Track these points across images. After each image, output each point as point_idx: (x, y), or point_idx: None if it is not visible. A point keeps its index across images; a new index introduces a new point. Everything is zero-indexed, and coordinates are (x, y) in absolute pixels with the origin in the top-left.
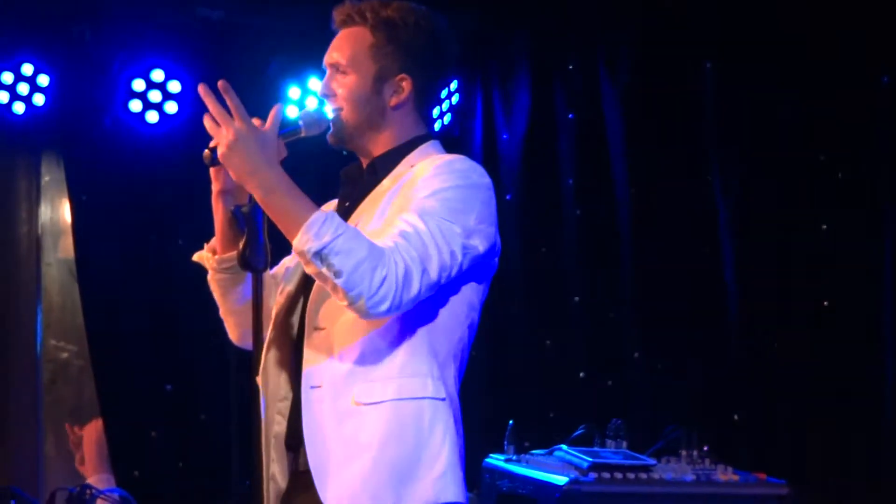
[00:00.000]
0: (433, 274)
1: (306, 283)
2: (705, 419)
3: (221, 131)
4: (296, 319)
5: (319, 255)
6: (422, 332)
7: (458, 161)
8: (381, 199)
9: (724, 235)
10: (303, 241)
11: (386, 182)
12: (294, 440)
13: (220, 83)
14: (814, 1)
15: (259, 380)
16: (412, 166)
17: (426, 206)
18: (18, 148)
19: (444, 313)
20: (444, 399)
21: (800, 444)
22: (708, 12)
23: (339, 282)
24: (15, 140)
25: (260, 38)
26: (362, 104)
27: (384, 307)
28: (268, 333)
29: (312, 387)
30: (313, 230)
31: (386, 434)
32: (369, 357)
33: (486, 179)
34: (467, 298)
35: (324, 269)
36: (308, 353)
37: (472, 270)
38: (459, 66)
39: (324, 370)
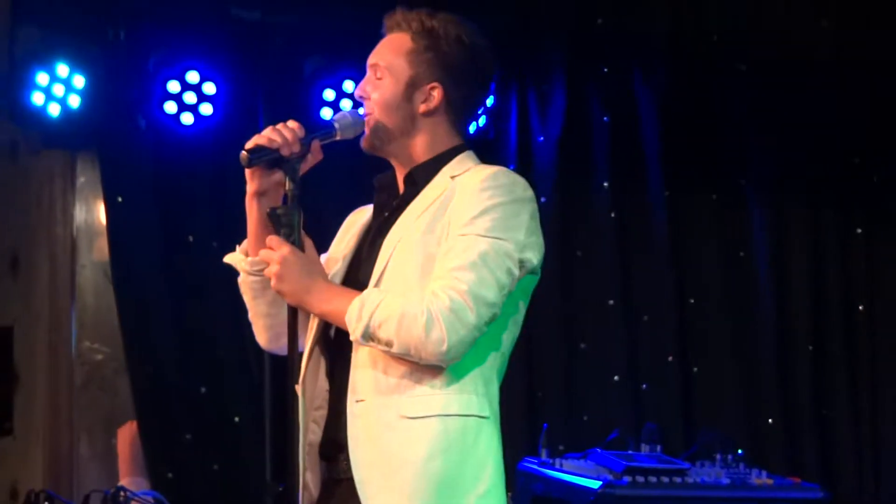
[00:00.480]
0: (491, 296)
1: None
2: (740, 423)
3: (273, 255)
4: (336, 330)
5: (366, 336)
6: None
7: (502, 174)
8: (424, 213)
9: (758, 239)
10: (351, 332)
11: (427, 193)
12: (329, 450)
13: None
14: (846, 4)
15: (298, 388)
16: (452, 178)
17: (477, 225)
18: (54, 149)
19: (492, 328)
20: (487, 417)
21: (834, 449)
22: (741, 15)
23: (394, 350)
24: (50, 141)
25: (295, 39)
26: (393, 109)
27: (445, 347)
28: (308, 341)
29: (357, 401)
30: (353, 319)
31: (431, 449)
32: (415, 371)
33: (530, 192)
34: (513, 313)
35: (379, 346)
36: (353, 367)
37: (521, 284)
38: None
39: (369, 383)
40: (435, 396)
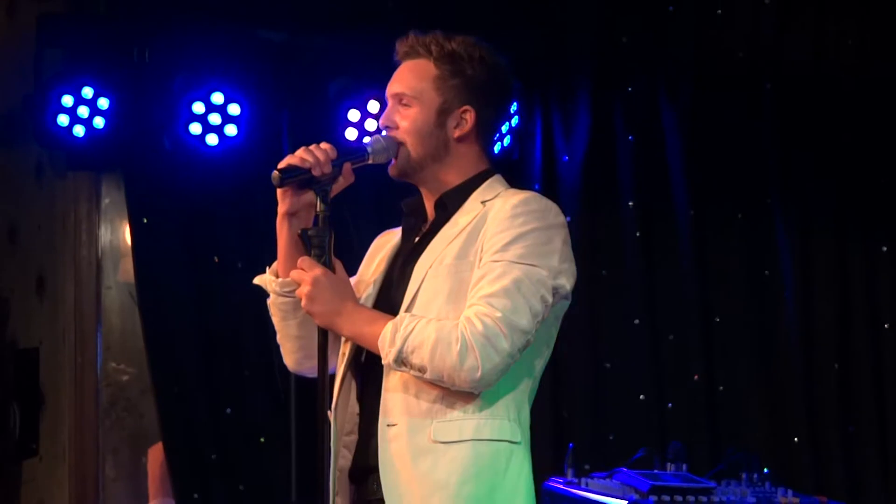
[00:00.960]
0: (524, 324)
1: None
2: (766, 441)
3: (305, 276)
4: (367, 354)
5: (399, 361)
6: None
7: (534, 200)
8: (456, 239)
9: (784, 257)
10: (384, 356)
11: (458, 218)
12: (359, 473)
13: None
14: (872, 22)
15: (331, 414)
16: (483, 203)
17: (510, 251)
18: (79, 171)
19: (525, 354)
20: (519, 443)
21: (860, 468)
22: (767, 33)
23: (427, 376)
24: (75, 163)
25: (320, 60)
26: (425, 136)
27: (479, 374)
28: (339, 366)
29: (389, 425)
30: (386, 344)
31: (463, 473)
32: (448, 396)
33: (562, 217)
34: (545, 338)
35: (412, 372)
36: (384, 391)
37: (553, 310)
38: (519, 105)
39: (400, 409)
40: (467, 421)
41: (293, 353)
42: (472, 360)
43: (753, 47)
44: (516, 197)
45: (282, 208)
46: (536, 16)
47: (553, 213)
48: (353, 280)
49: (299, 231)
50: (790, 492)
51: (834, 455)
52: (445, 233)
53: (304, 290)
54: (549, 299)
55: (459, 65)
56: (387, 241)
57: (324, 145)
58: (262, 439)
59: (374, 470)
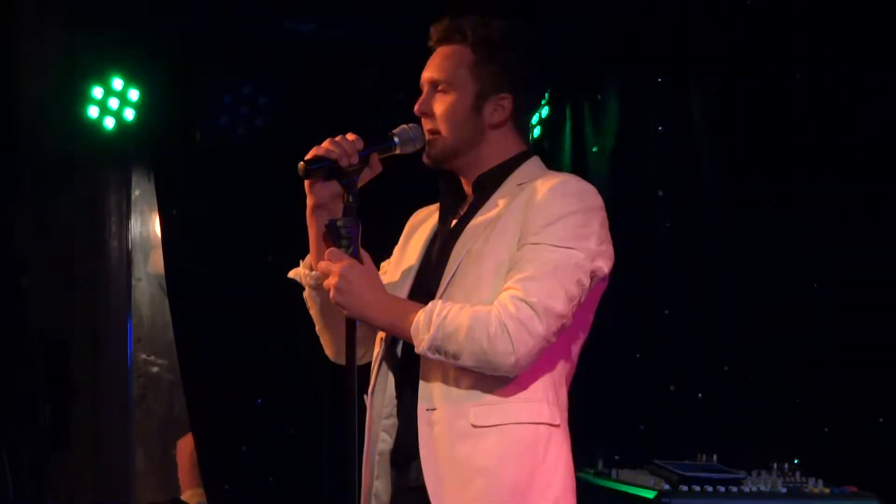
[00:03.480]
0: (560, 308)
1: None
2: (796, 431)
3: (333, 268)
4: (403, 341)
5: (434, 348)
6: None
7: (573, 182)
8: (496, 221)
9: (814, 247)
10: (417, 344)
11: (497, 202)
12: (401, 458)
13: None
14: None
15: (367, 398)
16: (520, 185)
17: (548, 234)
18: (108, 162)
19: (561, 337)
20: (558, 425)
21: (892, 458)
22: (796, 22)
23: (462, 363)
24: (105, 154)
25: (349, 51)
26: (462, 123)
27: (514, 359)
28: (377, 352)
29: (428, 409)
30: (420, 332)
31: (503, 457)
32: (485, 380)
33: (600, 199)
34: (582, 321)
35: (447, 359)
36: (423, 376)
37: (592, 292)
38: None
39: (439, 393)
40: (506, 404)
41: (333, 344)
42: (507, 345)
43: (783, 37)
44: (554, 179)
45: (310, 201)
46: (566, 7)
47: (591, 195)
48: (389, 262)
49: (326, 222)
50: (820, 482)
51: (865, 445)
52: (483, 216)
53: (331, 281)
54: (586, 283)
55: (497, 51)
56: (422, 221)
57: (350, 136)
58: (291, 430)
59: (415, 457)
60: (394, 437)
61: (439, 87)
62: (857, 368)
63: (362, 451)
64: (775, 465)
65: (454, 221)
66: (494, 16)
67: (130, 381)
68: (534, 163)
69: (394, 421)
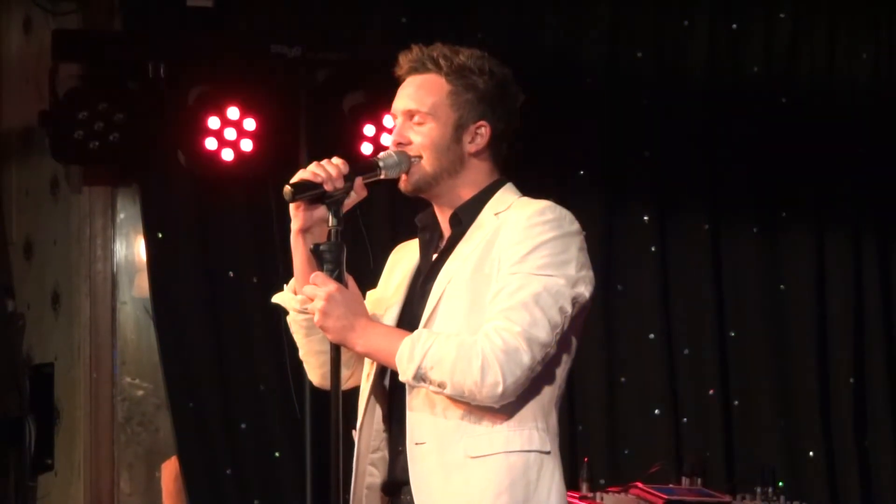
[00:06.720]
0: (543, 337)
1: None
2: (781, 455)
3: (318, 292)
4: (392, 374)
5: (418, 377)
6: None
7: (549, 209)
8: (472, 254)
9: (799, 271)
10: (402, 372)
11: (474, 234)
12: (390, 486)
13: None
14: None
15: (355, 433)
16: (496, 215)
17: (528, 263)
18: (94, 185)
19: (547, 364)
20: (549, 452)
21: (875, 481)
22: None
23: (447, 392)
24: (90, 178)
25: (335, 74)
26: (442, 152)
27: (500, 389)
28: (365, 384)
29: (417, 443)
30: (404, 360)
31: (496, 487)
32: (474, 411)
33: (577, 224)
34: (568, 346)
35: (431, 387)
36: (409, 408)
37: (575, 317)
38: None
39: (427, 426)
40: (497, 434)
41: (318, 369)
42: (494, 376)
43: (768, 61)
44: (530, 207)
45: (295, 225)
46: (550, 28)
47: (568, 221)
48: (373, 294)
49: (311, 246)
50: None
51: (849, 469)
52: (462, 249)
53: (316, 305)
54: (569, 309)
55: (471, 79)
56: (403, 256)
57: (336, 160)
58: (276, 454)
59: (405, 482)
60: (382, 470)
61: (415, 118)
62: (844, 393)
63: (349, 482)
64: (758, 490)
65: (434, 257)
66: (473, 44)
67: (115, 404)
68: (508, 189)
69: (382, 454)
